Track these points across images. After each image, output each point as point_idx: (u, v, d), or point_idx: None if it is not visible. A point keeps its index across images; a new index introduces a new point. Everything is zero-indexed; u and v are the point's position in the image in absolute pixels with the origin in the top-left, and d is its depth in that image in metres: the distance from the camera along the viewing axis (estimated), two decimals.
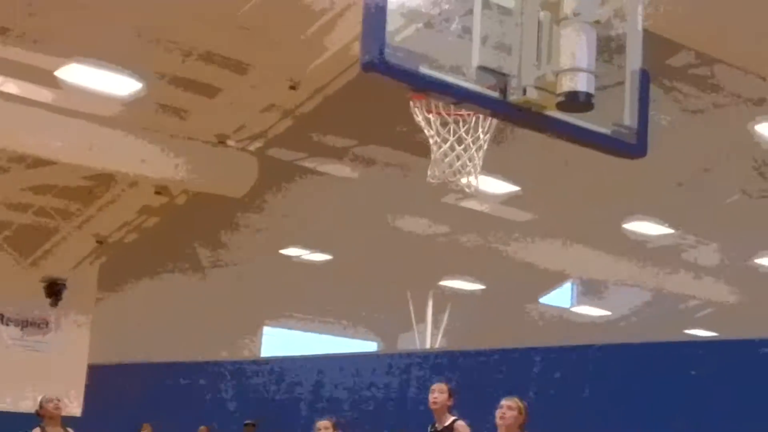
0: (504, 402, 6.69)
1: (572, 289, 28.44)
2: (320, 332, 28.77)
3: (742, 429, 11.38)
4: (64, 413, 19.18)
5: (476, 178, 4.96)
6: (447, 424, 7.02)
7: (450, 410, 7.15)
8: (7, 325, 21.60)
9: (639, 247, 22.64)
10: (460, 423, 7.00)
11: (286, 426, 15.87)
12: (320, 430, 7.83)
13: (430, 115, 4.85)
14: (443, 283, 24.89)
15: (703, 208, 19.89)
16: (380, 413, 15.27)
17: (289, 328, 28.43)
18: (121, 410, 19.56)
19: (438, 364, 15.10)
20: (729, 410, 11.55)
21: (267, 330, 27.89)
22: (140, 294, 22.39)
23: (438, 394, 7.10)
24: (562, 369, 13.48)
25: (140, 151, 18.21)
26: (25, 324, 21.82)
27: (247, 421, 15.21)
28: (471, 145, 4.91)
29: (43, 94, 15.74)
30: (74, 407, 20.07)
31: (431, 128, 4.83)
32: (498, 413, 6.62)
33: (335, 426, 7.83)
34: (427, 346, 23.26)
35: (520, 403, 6.76)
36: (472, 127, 4.91)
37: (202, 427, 14.57)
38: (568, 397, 12.69)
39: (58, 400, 7.74)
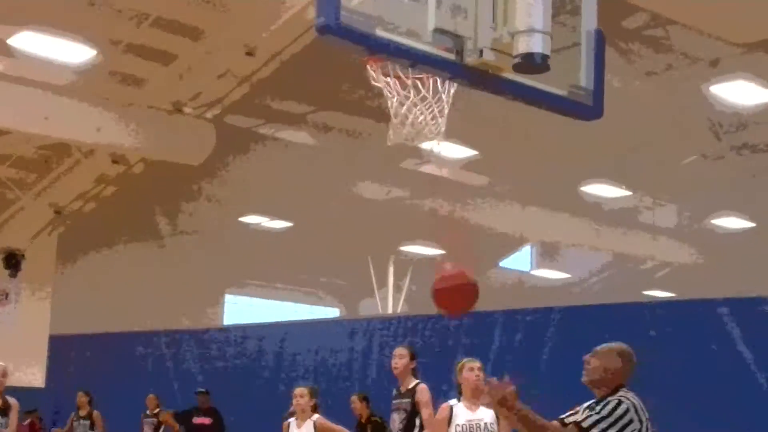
0: (472, 364, 6.77)
1: (531, 252, 28.62)
2: (282, 299, 28.78)
3: (701, 387, 11.55)
4: (27, 384, 19.08)
5: (439, 141, 4.92)
6: (410, 387, 7.06)
7: (414, 373, 7.18)
8: None
9: (596, 210, 22.81)
10: (422, 386, 7.04)
11: (250, 393, 15.89)
12: (296, 397, 7.82)
13: (388, 78, 4.83)
14: (404, 248, 24.95)
15: (659, 170, 20.06)
16: (344, 379, 15.32)
17: (251, 295, 28.40)
18: (84, 381, 19.44)
19: (400, 328, 15.15)
20: (688, 369, 11.71)
21: (229, 298, 27.85)
22: (100, 264, 22.25)
23: (398, 359, 7.15)
24: (523, 332, 13.59)
25: (96, 119, 18.01)
26: None
27: (199, 390, 15.17)
28: (433, 105, 4.88)
29: None
30: (37, 378, 19.98)
31: (391, 90, 4.80)
32: (474, 375, 6.69)
33: (312, 393, 7.84)
34: (389, 311, 23.34)
35: (482, 365, 6.93)
36: (432, 90, 4.89)
37: (150, 395, 14.51)
38: (529, 360, 12.82)
39: (3, 376, 7.69)
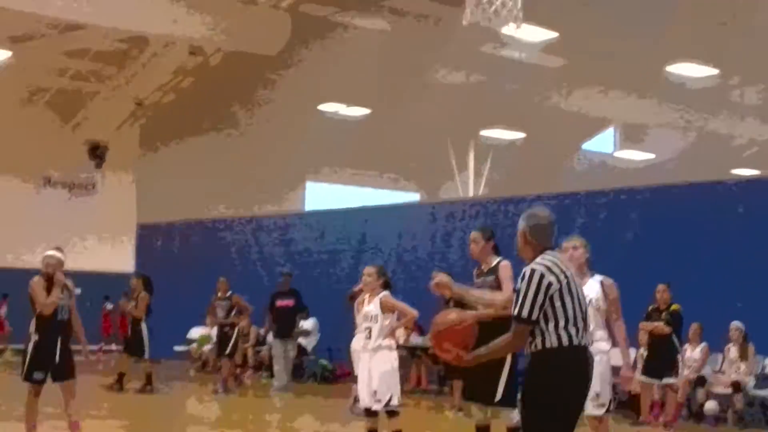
0: (567, 244, 6.70)
1: (614, 134, 28.17)
2: (363, 185, 28.87)
3: None
4: (117, 270, 19.59)
5: (518, 24, 4.72)
6: (493, 265, 6.97)
7: (495, 251, 7.09)
8: (55, 188, 21.94)
9: (682, 90, 22.25)
10: (504, 262, 6.95)
11: (332, 277, 16.08)
12: (365, 276, 7.91)
13: None
14: (484, 132, 24.75)
15: (748, 47, 19.39)
16: (425, 262, 15.40)
17: (331, 182, 28.53)
18: (170, 266, 19.91)
19: (481, 211, 15.10)
20: None
21: (310, 185, 28.01)
22: (183, 153, 22.53)
23: (473, 244, 7.04)
24: (607, 212, 13.43)
25: (172, 11, 18.03)
26: (72, 186, 22.15)
27: (282, 271, 15.40)
28: None
29: None
30: (126, 265, 20.52)
31: None
32: (577, 252, 6.63)
33: (380, 272, 7.89)
34: (470, 194, 23.27)
35: (584, 241, 6.83)
36: None
37: (221, 279, 14.57)
38: (614, 241, 12.66)
39: (58, 263, 7.90)
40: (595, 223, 13.26)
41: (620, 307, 6.82)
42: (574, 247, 6.77)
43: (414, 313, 7.97)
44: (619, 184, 17.17)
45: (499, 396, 6.63)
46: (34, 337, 7.68)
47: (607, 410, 6.73)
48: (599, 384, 6.31)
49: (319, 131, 23.46)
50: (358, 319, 8.15)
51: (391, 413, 7.66)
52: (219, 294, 14.35)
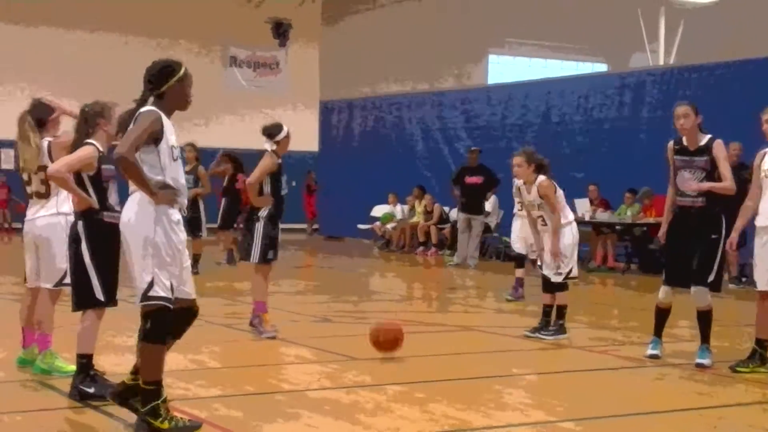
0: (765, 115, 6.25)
1: None
2: (547, 57, 28.08)
3: None
4: (303, 149, 19.79)
5: None
6: (703, 143, 6.42)
7: (700, 128, 6.53)
8: (240, 67, 22.28)
9: None
10: (719, 141, 6.38)
11: (515, 150, 15.72)
12: (515, 166, 7.65)
13: None
14: None
15: None
16: (612, 134, 14.86)
17: (514, 55, 27.85)
18: (352, 144, 20.01)
19: (672, 79, 14.35)
20: None
21: (492, 58, 27.44)
22: (364, 27, 22.36)
23: (683, 119, 6.48)
24: None
25: None
26: (257, 65, 22.43)
27: (470, 148, 15.16)
28: None
29: None
30: (311, 143, 20.76)
31: None
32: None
33: (529, 159, 7.57)
34: (661, 63, 22.21)
35: None
36: None
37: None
38: None
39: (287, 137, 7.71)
40: None
41: None
42: None
43: (558, 220, 7.50)
44: None
45: (712, 276, 6.35)
46: (259, 224, 7.45)
47: None
48: None
49: (502, 1, 22.78)
50: (521, 205, 7.87)
51: (559, 286, 7.47)
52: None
